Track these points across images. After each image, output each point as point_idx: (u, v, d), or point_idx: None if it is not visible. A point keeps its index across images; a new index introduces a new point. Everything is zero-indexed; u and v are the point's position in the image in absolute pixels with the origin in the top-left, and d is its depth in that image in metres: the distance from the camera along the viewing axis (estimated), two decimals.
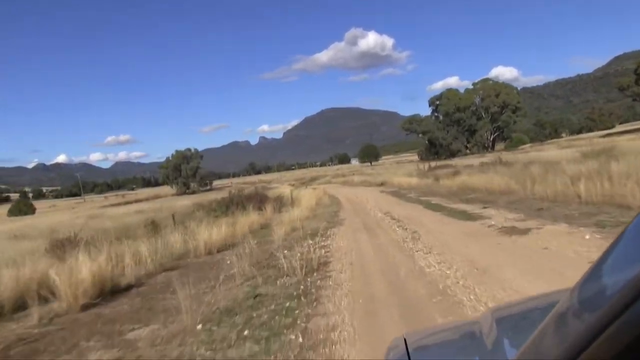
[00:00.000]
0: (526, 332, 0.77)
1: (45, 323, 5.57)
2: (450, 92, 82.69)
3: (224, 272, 7.11)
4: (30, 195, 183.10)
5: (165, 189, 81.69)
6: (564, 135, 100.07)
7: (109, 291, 6.64)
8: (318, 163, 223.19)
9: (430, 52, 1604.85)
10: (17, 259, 7.70)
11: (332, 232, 10.72)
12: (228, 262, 7.62)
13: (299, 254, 7.30)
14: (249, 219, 13.16)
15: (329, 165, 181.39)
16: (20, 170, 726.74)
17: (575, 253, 5.60)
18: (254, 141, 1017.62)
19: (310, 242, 8.76)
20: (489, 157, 33.85)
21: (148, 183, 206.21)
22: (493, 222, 8.77)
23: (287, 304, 5.13)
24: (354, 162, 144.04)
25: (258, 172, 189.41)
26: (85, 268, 6.38)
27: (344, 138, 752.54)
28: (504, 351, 1.01)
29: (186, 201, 27.52)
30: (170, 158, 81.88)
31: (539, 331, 0.70)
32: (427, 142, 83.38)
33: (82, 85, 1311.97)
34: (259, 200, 16.02)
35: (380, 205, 15.95)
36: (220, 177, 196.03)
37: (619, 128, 75.82)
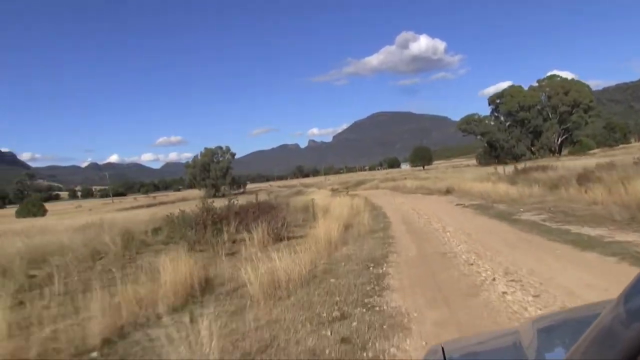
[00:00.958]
0: (569, 343, 0.77)
1: None
2: (513, 89, 74.10)
3: None
4: (79, 194, 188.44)
5: (194, 192, 68.44)
6: (632, 140, 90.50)
7: None
8: (367, 167, 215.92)
9: (483, 55, 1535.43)
10: None
11: None
12: None
13: None
14: (179, 267, 6.15)
15: (378, 169, 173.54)
16: (74, 169, 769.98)
17: None
18: (303, 144, 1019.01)
19: None
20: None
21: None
22: None
23: None
24: (404, 166, 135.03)
25: (306, 175, 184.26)
26: None
27: (394, 142, 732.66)
28: None
29: (143, 215, 19.55)
30: (199, 156, 71.16)
31: (582, 340, 0.68)
32: (486, 144, 75.43)
33: (137, 87, 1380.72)
34: (256, 215, 10.68)
35: (485, 242, 8.23)
36: (268, 179, 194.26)
37: None
